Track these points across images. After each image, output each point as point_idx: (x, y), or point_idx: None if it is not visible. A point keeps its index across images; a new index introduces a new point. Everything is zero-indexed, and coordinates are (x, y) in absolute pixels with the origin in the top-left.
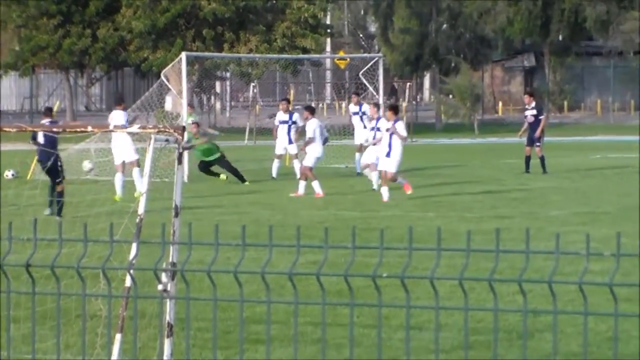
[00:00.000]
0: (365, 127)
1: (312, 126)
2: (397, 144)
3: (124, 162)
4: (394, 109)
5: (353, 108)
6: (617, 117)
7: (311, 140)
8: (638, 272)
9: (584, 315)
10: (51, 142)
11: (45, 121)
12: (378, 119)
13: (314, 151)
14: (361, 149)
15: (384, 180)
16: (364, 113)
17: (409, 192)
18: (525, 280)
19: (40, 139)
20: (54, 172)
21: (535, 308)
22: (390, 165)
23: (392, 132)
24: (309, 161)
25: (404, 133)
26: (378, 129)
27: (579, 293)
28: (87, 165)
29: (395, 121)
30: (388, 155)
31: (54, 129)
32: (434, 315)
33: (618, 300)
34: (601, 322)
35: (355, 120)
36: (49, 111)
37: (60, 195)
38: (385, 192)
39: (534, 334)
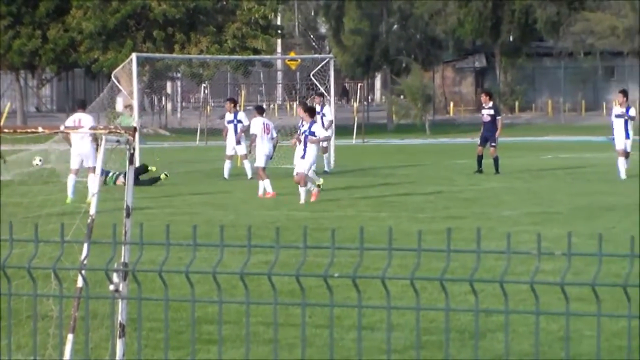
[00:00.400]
0: (323, 126)
1: (256, 124)
2: (312, 147)
3: (80, 167)
4: (311, 111)
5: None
6: (568, 117)
7: (254, 137)
8: (589, 271)
9: (536, 315)
10: None
11: None
12: (322, 106)
13: (262, 150)
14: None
15: (301, 182)
16: (323, 114)
17: (313, 199)
18: (476, 280)
19: None
20: None
21: (487, 308)
22: (303, 167)
23: (307, 136)
24: (259, 161)
25: (322, 133)
26: (324, 115)
27: (531, 293)
28: (37, 160)
29: (312, 124)
30: (303, 157)
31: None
32: (385, 315)
33: (570, 299)
34: (553, 321)
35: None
36: None
37: None
38: (302, 192)
39: (486, 333)
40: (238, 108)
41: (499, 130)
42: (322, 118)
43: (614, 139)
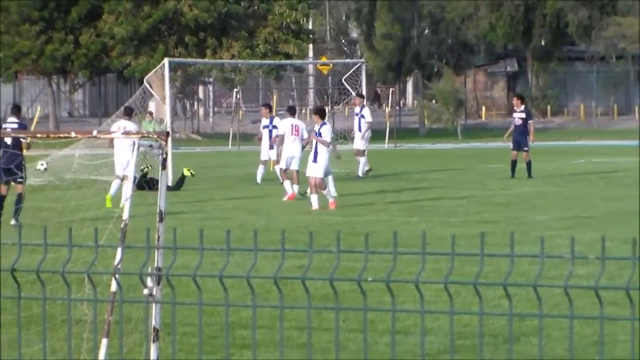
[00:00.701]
0: (360, 130)
1: (284, 125)
2: (322, 149)
3: (123, 172)
4: (321, 113)
5: (356, 109)
6: (600, 121)
7: (281, 137)
8: (623, 275)
9: (570, 319)
10: (16, 144)
11: (13, 120)
12: (362, 107)
13: (287, 151)
14: (360, 153)
15: (313, 187)
16: (362, 116)
17: (333, 208)
18: (510, 284)
19: (8, 140)
20: (17, 169)
21: (521, 312)
22: (317, 171)
23: (318, 137)
24: (282, 162)
25: (327, 139)
26: (362, 116)
27: (565, 297)
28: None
29: (322, 125)
30: (315, 160)
31: (22, 137)
32: (419, 319)
33: (603, 303)
34: (587, 325)
35: (355, 122)
36: (17, 109)
37: (19, 198)
38: (314, 199)
39: (520, 337)
40: (273, 113)
41: (532, 135)
42: (360, 120)
43: None
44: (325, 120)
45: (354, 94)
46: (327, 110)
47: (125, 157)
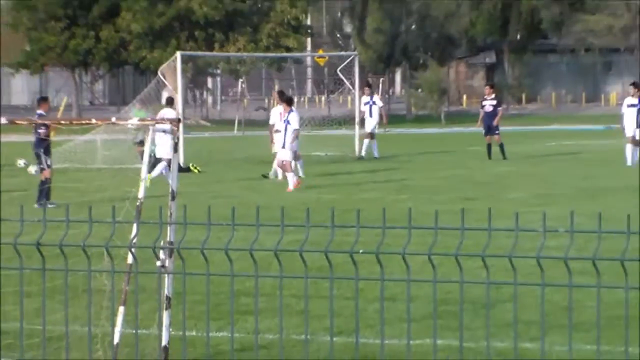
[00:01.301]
0: (371, 116)
1: (274, 114)
2: (291, 135)
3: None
4: (288, 101)
5: (365, 99)
6: (570, 108)
7: (271, 127)
8: (590, 247)
9: (542, 287)
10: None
11: (38, 112)
12: (372, 96)
13: (278, 138)
14: (369, 135)
15: (285, 168)
16: (374, 102)
17: (291, 189)
18: (488, 255)
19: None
20: (37, 156)
21: (497, 280)
22: (286, 155)
23: (287, 124)
24: (275, 149)
25: (296, 125)
26: (374, 103)
27: (537, 267)
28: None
29: (290, 113)
30: (283, 146)
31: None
32: (405, 287)
33: (572, 273)
34: (557, 292)
35: (366, 109)
36: (40, 101)
37: (44, 182)
38: (290, 178)
39: (497, 304)
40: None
41: (497, 118)
42: (371, 107)
43: (624, 128)
44: (293, 108)
45: (347, 83)
46: (293, 99)
47: (159, 142)
